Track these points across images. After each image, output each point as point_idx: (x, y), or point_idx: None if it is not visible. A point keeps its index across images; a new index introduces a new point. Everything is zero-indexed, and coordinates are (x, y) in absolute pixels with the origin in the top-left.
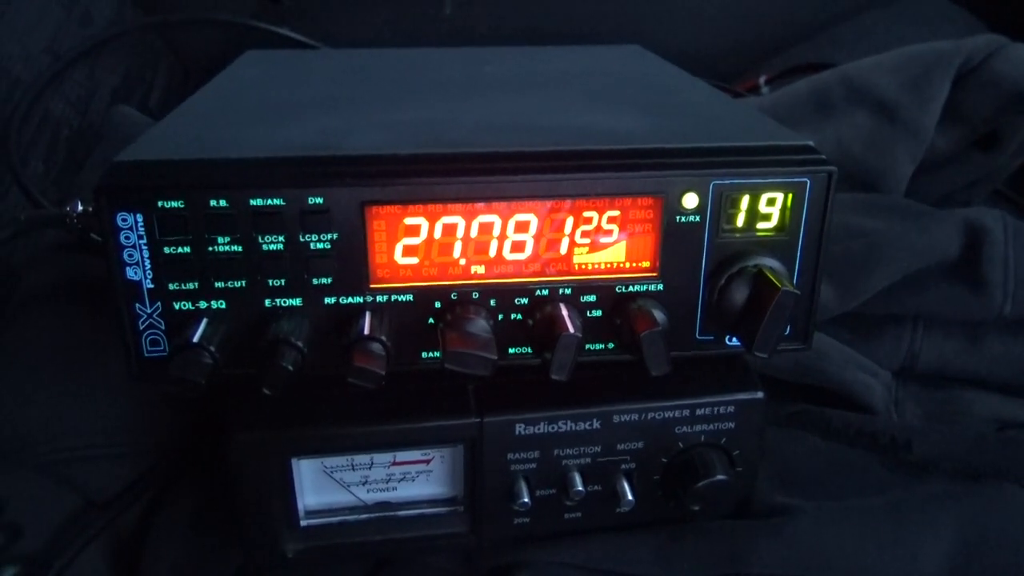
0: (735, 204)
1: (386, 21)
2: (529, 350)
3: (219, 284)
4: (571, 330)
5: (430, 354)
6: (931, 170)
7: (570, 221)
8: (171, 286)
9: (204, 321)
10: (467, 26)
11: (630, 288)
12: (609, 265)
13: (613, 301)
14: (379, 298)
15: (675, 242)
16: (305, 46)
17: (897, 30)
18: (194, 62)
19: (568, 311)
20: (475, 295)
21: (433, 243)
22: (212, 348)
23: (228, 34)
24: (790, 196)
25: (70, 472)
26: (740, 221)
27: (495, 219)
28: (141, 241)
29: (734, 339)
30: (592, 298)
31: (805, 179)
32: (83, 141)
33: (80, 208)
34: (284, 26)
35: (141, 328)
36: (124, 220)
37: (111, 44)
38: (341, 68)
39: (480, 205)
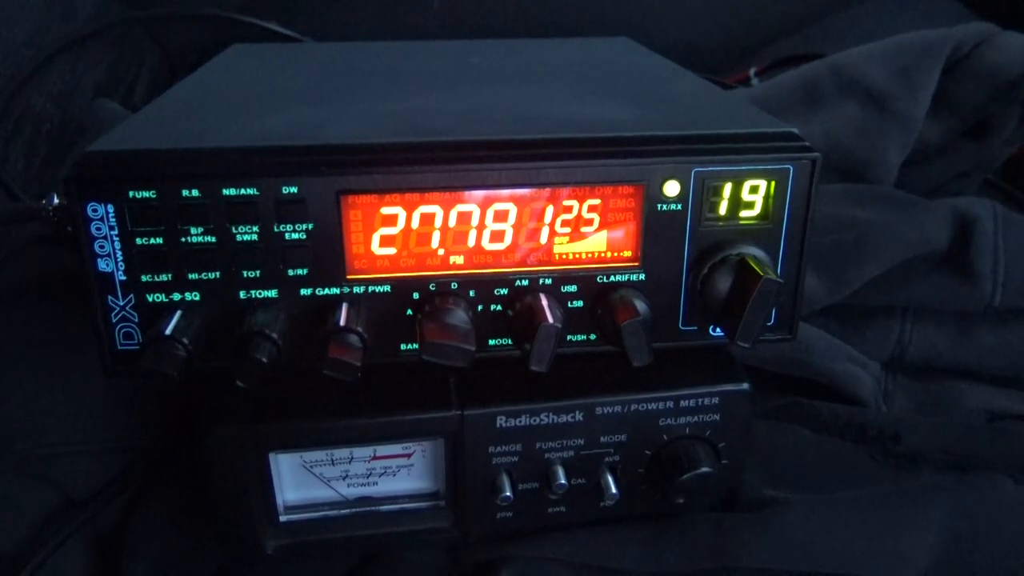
0: (718, 192)
1: (374, 15)
2: (510, 341)
3: (193, 276)
4: (551, 321)
5: (409, 346)
6: (921, 160)
7: (550, 210)
8: (144, 278)
9: (178, 313)
10: (455, 19)
11: (611, 278)
12: (590, 255)
13: (594, 291)
14: (356, 289)
15: (657, 231)
16: (292, 40)
17: (887, 21)
18: (180, 57)
19: (548, 301)
20: (454, 286)
21: (411, 233)
22: (185, 341)
23: (214, 29)
24: (773, 183)
25: (48, 469)
26: (723, 209)
27: (474, 208)
28: (112, 232)
29: (718, 329)
30: (573, 288)
31: (788, 166)
32: (65, 136)
33: (56, 201)
34: (271, 20)
35: (114, 321)
36: (95, 211)
37: (94, 38)
38: (325, 61)
39: (458, 194)
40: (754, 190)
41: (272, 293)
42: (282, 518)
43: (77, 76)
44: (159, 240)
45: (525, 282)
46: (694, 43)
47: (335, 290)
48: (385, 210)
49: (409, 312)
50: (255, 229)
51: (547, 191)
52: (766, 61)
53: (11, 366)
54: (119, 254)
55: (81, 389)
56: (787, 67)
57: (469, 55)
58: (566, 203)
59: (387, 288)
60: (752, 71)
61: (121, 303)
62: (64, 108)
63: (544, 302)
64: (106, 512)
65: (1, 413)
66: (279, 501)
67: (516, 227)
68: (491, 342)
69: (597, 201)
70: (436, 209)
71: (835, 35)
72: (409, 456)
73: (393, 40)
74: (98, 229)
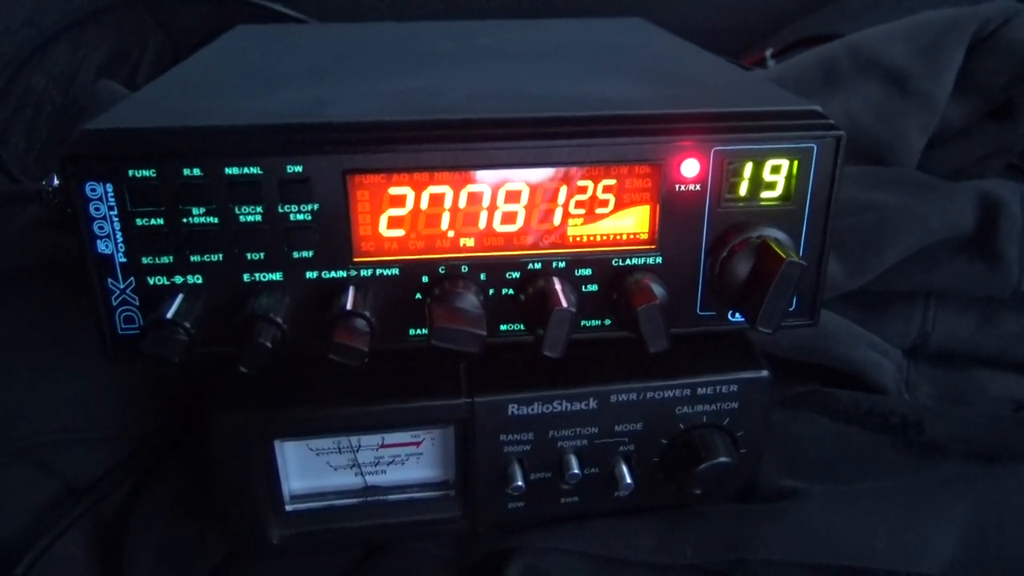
0: (738, 172)
1: None
2: (522, 327)
3: (195, 258)
4: (565, 305)
5: (418, 331)
6: (944, 142)
7: (564, 191)
8: (144, 260)
9: (179, 297)
10: (464, 1)
11: (627, 261)
12: (605, 237)
13: (609, 275)
14: (363, 272)
15: (675, 212)
16: (296, 21)
17: (906, 2)
18: (183, 38)
19: (562, 285)
20: (464, 269)
21: (420, 214)
22: (187, 324)
23: (219, 9)
24: (796, 163)
25: (49, 457)
26: (743, 190)
27: (485, 189)
28: (112, 212)
29: (737, 315)
30: (587, 272)
31: (812, 144)
32: (67, 118)
33: (56, 182)
34: (275, 1)
35: (114, 304)
36: (93, 190)
37: (96, 18)
38: (331, 41)
39: (469, 174)
40: (776, 170)
41: (276, 276)
42: (288, 507)
43: (79, 57)
44: (160, 221)
45: (538, 265)
46: (708, 24)
47: (341, 273)
48: (393, 190)
49: (418, 296)
50: (259, 210)
51: (561, 171)
52: (783, 42)
53: (11, 352)
54: (119, 235)
55: (82, 375)
56: (804, 48)
57: (478, 35)
58: (580, 183)
59: (395, 271)
60: (768, 52)
61: (121, 286)
62: (66, 89)
63: (558, 286)
64: (108, 500)
65: (1, 400)
66: (285, 490)
67: (529, 208)
68: (502, 327)
69: (612, 181)
70: (446, 189)
71: (853, 15)
72: (418, 444)
73: (399, 21)
74: (97, 209)
